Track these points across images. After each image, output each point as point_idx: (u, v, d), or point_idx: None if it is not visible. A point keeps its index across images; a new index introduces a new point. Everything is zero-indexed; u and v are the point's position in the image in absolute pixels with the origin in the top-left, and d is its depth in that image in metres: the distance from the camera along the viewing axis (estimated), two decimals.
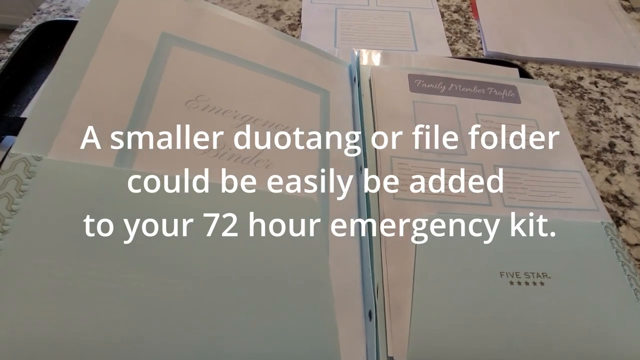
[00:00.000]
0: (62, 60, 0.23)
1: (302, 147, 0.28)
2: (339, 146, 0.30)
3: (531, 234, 0.28)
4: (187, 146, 0.24)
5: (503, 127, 0.34)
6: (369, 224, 0.26)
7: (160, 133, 0.23)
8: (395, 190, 0.28)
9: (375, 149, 0.30)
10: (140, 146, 0.22)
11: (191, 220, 0.22)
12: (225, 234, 0.22)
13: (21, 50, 0.41)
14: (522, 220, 0.28)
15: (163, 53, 0.26)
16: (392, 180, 0.29)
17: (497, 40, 0.46)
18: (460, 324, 0.24)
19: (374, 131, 0.31)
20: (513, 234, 0.28)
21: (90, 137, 0.22)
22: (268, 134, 0.27)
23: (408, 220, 0.27)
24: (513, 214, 0.29)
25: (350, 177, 0.29)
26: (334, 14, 0.50)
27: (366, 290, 0.25)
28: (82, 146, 0.21)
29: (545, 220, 0.29)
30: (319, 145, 0.29)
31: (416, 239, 0.26)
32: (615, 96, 0.42)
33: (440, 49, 0.46)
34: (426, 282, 0.25)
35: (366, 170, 0.29)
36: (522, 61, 0.45)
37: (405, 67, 0.36)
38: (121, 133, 0.22)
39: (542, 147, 0.33)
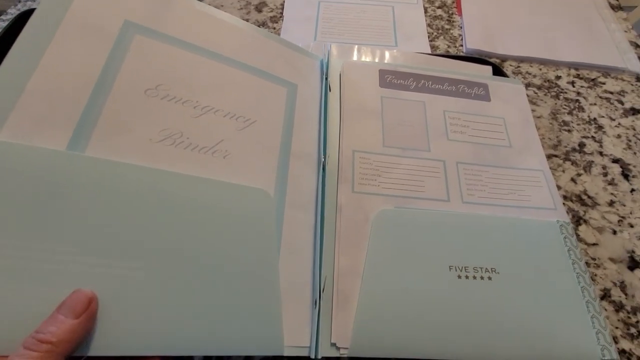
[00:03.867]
0: (20, 42, 0.23)
1: (263, 139, 0.29)
2: (301, 139, 0.30)
3: (485, 230, 0.28)
4: (143, 133, 0.24)
5: (470, 124, 0.34)
6: (322, 217, 0.27)
7: (116, 119, 0.24)
8: (355, 184, 0.29)
9: (338, 143, 0.31)
10: (94, 131, 0.23)
11: (141, 206, 0.22)
12: (175, 220, 0.23)
13: (2, 38, 0.42)
14: (477, 217, 0.29)
15: (125, 41, 0.26)
16: (351, 174, 0.29)
17: (477, 37, 0.46)
18: (405, 314, 0.25)
19: (339, 125, 0.32)
20: (467, 229, 0.28)
21: (43, 120, 0.22)
22: (228, 125, 0.28)
23: (365, 213, 0.28)
24: (468, 211, 0.29)
25: (311, 170, 0.30)
26: (317, 7, 0.50)
27: (315, 280, 0.25)
28: (35, 129, 0.21)
29: (500, 217, 0.29)
30: (280, 138, 0.29)
31: (371, 232, 0.27)
32: (591, 96, 0.42)
33: (420, 45, 0.46)
34: (375, 274, 0.26)
35: (326, 164, 0.29)
36: (501, 59, 0.45)
37: (376, 63, 0.37)
38: (75, 117, 0.23)
39: (507, 145, 0.33)
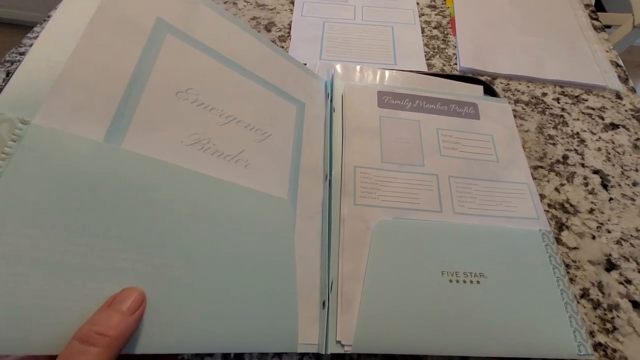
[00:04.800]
0: (52, 26, 0.22)
1: (277, 153, 0.31)
2: (309, 155, 0.33)
3: (474, 238, 0.32)
4: (175, 135, 0.25)
5: (461, 141, 0.37)
6: (329, 226, 0.30)
7: (149, 117, 0.24)
8: (356, 197, 0.32)
9: (341, 159, 0.34)
10: (130, 127, 0.23)
11: (177, 205, 0.23)
12: (206, 222, 0.24)
13: None
14: (467, 226, 0.32)
15: (157, 39, 0.26)
16: (353, 188, 0.33)
17: (470, 56, 0.49)
18: (402, 315, 0.28)
19: (342, 143, 0.35)
20: (457, 238, 0.32)
21: (80, 109, 0.21)
22: (248, 136, 0.29)
23: (365, 224, 0.31)
24: (459, 221, 0.32)
25: (317, 183, 0.33)
26: (322, 27, 0.53)
27: (323, 283, 0.29)
28: (71, 118, 0.20)
29: (488, 226, 0.32)
30: (291, 152, 0.32)
31: (371, 240, 0.30)
32: (574, 112, 0.45)
33: (417, 64, 0.49)
34: (375, 278, 0.29)
35: (331, 178, 0.33)
36: (492, 77, 0.48)
37: (375, 84, 0.40)
38: (112, 110, 0.22)
39: (494, 160, 0.37)
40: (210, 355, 0.29)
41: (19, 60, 0.48)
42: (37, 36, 0.52)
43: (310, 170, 0.33)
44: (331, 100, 0.37)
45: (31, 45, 0.51)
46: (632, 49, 1.66)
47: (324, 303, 0.28)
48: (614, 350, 0.30)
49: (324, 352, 0.26)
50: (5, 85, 0.20)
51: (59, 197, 0.19)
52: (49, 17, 0.55)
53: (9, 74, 0.47)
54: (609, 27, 0.64)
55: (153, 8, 0.26)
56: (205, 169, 0.25)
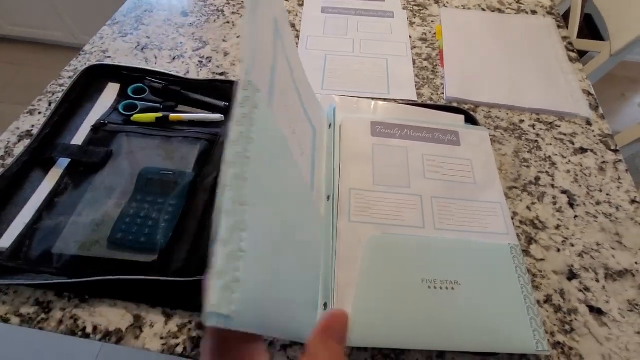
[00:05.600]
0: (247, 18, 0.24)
1: (307, 169, 0.35)
2: (317, 176, 0.39)
3: (451, 251, 0.37)
4: (286, 124, 0.28)
5: (443, 165, 0.43)
6: (332, 239, 0.36)
7: (277, 102, 0.27)
8: (351, 215, 0.38)
9: (338, 182, 0.40)
10: (273, 104, 0.26)
11: (288, 187, 0.27)
12: (289, 215, 0.27)
13: (72, 88, 0.52)
14: (445, 240, 0.38)
15: (275, 36, 0.29)
16: (348, 207, 0.38)
17: (456, 86, 0.55)
18: (388, 316, 0.33)
19: (339, 168, 0.41)
20: (436, 251, 0.37)
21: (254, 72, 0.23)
22: (298, 149, 0.33)
23: (358, 238, 0.37)
24: (438, 236, 0.38)
25: (322, 202, 0.39)
26: (324, 60, 0.60)
27: (325, 287, 0.34)
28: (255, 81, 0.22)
29: (463, 240, 0.38)
30: (310, 171, 0.37)
31: (363, 252, 0.36)
32: (548, 137, 0.51)
33: (408, 93, 0.55)
34: (366, 285, 0.34)
35: (333, 199, 0.38)
36: (475, 105, 0.54)
37: (369, 115, 0.46)
38: (267, 82, 0.25)
39: (472, 182, 0.42)
40: None
41: (60, 91, 0.55)
42: (74, 69, 0.59)
43: (317, 189, 0.39)
44: (333, 129, 0.43)
45: (69, 77, 0.57)
46: (627, 64, 1.71)
47: (325, 304, 0.33)
48: (571, 349, 0.36)
49: None
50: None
51: (271, 174, 0.21)
52: (83, 51, 0.62)
53: (50, 104, 0.53)
54: (598, 52, 0.69)
55: (272, 5, 0.29)
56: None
